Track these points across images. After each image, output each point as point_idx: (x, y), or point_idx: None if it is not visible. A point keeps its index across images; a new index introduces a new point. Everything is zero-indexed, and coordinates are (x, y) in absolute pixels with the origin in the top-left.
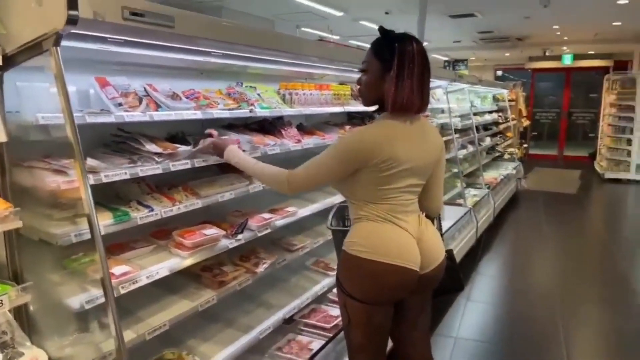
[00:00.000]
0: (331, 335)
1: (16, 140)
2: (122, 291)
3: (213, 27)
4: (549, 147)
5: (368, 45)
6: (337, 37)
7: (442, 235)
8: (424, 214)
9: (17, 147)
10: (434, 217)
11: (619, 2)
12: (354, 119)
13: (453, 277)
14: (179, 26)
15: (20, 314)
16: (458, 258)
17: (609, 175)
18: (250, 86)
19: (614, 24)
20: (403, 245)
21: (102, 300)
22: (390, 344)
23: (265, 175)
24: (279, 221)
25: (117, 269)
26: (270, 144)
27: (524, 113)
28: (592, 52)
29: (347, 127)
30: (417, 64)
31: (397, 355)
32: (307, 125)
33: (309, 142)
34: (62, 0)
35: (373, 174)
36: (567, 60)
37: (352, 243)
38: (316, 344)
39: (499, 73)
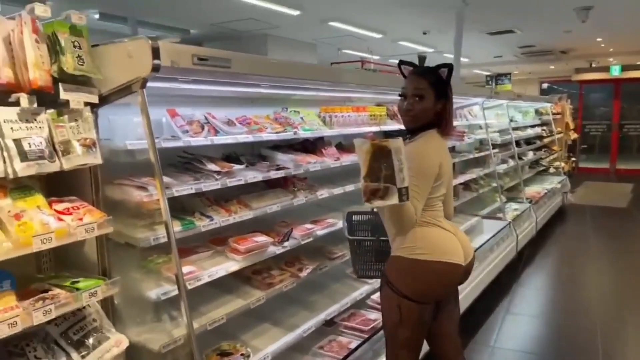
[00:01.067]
0: (368, 336)
1: (107, 162)
2: (189, 287)
3: (261, 65)
4: (600, 160)
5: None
6: (377, 57)
7: None
8: None
9: (108, 168)
10: None
11: None
12: (390, 136)
13: None
14: (235, 66)
15: (107, 304)
16: (496, 270)
17: None
18: (295, 111)
19: None
20: (453, 245)
21: (175, 293)
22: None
23: (408, 210)
24: (320, 231)
25: (184, 269)
26: (312, 162)
27: (572, 126)
28: None
29: None
30: (452, 95)
31: (432, 349)
32: (346, 145)
33: (347, 159)
34: (148, 52)
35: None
36: (616, 72)
37: (413, 248)
38: (355, 344)
39: (545, 86)
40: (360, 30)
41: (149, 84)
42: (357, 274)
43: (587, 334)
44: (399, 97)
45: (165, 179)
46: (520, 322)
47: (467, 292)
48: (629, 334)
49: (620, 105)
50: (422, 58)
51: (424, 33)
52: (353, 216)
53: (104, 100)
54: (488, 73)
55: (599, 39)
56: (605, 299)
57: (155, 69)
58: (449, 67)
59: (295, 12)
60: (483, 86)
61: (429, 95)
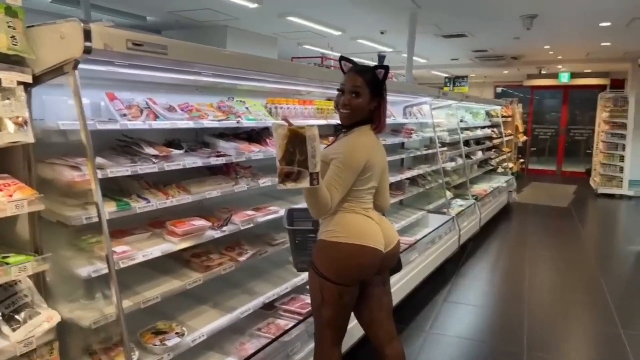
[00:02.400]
0: (303, 318)
1: (40, 141)
2: (122, 265)
3: (199, 53)
4: (548, 162)
5: (368, 61)
6: (337, 54)
7: None
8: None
9: (41, 147)
10: (383, 214)
11: (601, 24)
12: (339, 131)
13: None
14: (171, 53)
15: (39, 281)
16: (437, 262)
17: (602, 190)
18: (240, 100)
19: (603, 44)
20: (372, 230)
21: (106, 271)
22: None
23: (322, 194)
24: (261, 218)
25: (118, 248)
26: (255, 151)
27: (521, 129)
28: (589, 71)
29: (330, 137)
30: (386, 94)
31: (367, 334)
32: None
33: None
34: (80, 35)
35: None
36: (564, 79)
37: (332, 232)
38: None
39: (499, 90)
40: (319, 26)
41: (86, 67)
42: (297, 268)
43: (516, 323)
44: (337, 92)
45: (100, 160)
46: (457, 310)
47: (406, 281)
48: (554, 323)
49: (569, 111)
50: (381, 57)
51: (382, 32)
52: (294, 212)
53: (38, 80)
54: (447, 75)
55: (546, 47)
56: (537, 291)
57: (87, 51)
58: (386, 68)
59: (253, 5)
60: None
61: (364, 93)
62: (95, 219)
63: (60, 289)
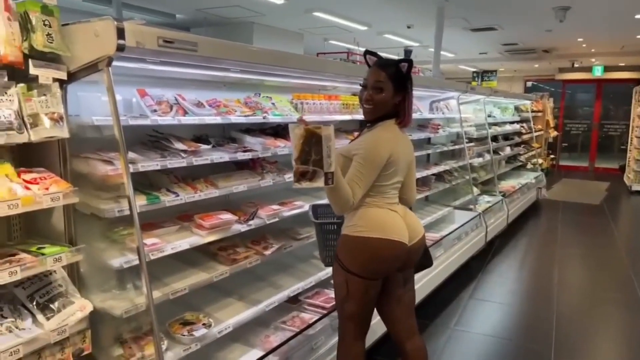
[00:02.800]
0: (327, 312)
1: (75, 137)
2: (152, 257)
3: (228, 49)
4: (580, 158)
5: (394, 57)
6: (363, 49)
7: None
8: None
9: (75, 142)
10: (410, 208)
11: (637, 16)
12: (364, 127)
13: (426, 255)
14: (201, 49)
15: (73, 271)
16: (463, 258)
17: (636, 187)
18: (267, 96)
19: (638, 36)
20: (395, 224)
21: (137, 262)
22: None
23: (344, 189)
24: (287, 212)
25: (148, 240)
26: (281, 146)
27: (552, 124)
28: (623, 64)
29: (356, 133)
30: (412, 88)
31: (388, 330)
32: None
33: None
34: (113, 32)
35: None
36: (598, 72)
37: (355, 226)
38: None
39: (529, 84)
40: (345, 21)
41: (118, 64)
42: (324, 262)
43: (544, 321)
44: (360, 87)
45: (132, 155)
46: (483, 307)
47: (431, 277)
48: (584, 323)
49: (602, 105)
50: (408, 52)
51: (408, 27)
52: (319, 208)
53: (73, 77)
54: (475, 69)
55: (580, 39)
56: (567, 289)
57: (120, 48)
58: (409, 62)
59: (280, 1)
60: (469, 82)
61: (387, 87)
62: (127, 212)
63: (93, 280)
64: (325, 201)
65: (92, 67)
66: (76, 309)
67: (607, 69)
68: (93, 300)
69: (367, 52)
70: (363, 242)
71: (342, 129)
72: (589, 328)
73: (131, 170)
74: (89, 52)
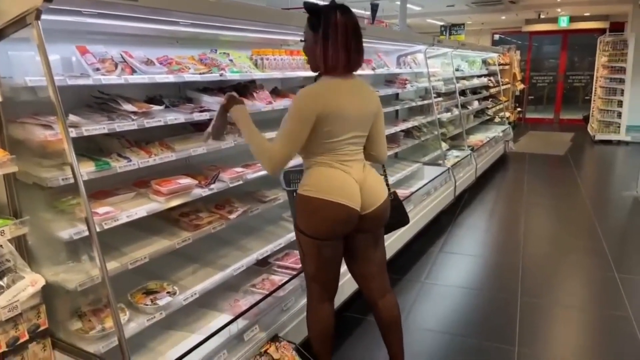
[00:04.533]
0: (297, 273)
1: (10, 100)
2: (105, 227)
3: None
4: (546, 111)
5: (361, 11)
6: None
7: (387, 183)
8: (370, 163)
9: (11, 106)
10: (382, 164)
11: None
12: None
13: (401, 212)
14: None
15: (21, 245)
16: (433, 213)
17: (599, 137)
18: (224, 52)
19: None
20: (344, 186)
21: (87, 233)
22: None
23: (254, 143)
24: (251, 175)
25: (100, 209)
26: None
27: (519, 77)
28: (588, 14)
29: None
30: (340, 31)
31: (359, 288)
32: (282, 89)
33: (281, 104)
34: None
35: (319, 127)
36: (563, 23)
37: (303, 185)
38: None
39: (497, 37)
40: None
41: (51, 17)
42: None
43: (512, 270)
44: None
45: (74, 118)
46: (452, 260)
47: (402, 233)
48: (550, 269)
49: (567, 57)
50: (374, 5)
51: None
52: (291, 174)
53: (1, 34)
54: (442, 23)
55: None
56: (534, 238)
57: None
58: (304, 4)
59: None
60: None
61: (307, 37)
62: (72, 180)
63: (44, 253)
64: (296, 167)
65: (20, 22)
66: (27, 284)
67: (572, 19)
68: (45, 274)
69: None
70: (307, 201)
71: (305, 85)
72: (553, 275)
73: (74, 134)
74: (16, 5)
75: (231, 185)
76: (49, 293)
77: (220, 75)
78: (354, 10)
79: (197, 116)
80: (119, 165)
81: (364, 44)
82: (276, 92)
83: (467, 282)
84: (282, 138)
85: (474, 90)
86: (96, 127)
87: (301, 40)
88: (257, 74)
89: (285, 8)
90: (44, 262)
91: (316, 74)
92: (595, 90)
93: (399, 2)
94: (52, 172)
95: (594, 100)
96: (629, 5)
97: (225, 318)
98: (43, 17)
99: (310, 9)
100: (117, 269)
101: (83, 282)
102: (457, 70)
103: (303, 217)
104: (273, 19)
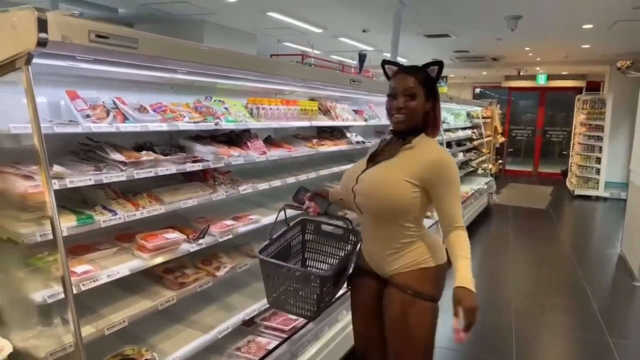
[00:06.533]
0: (287, 336)
1: None
2: (83, 288)
3: (174, 48)
4: (525, 163)
5: (348, 60)
6: (318, 52)
7: None
8: None
9: None
10: None
11: (584, 26)
12: (323, 132)
13: None
14: (142, 47)
15: None
16: None
17: (578, 192)
18: (219, 100)
19: (583, 46)
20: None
21: (63, 295)
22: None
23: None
24: (242, 228)
25: (79, 268)
26: (235, 155)
27: (499, 130)
28: (566, 73)
29: (315, 140)
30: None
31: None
32: (275, 138)
33: (275, 154)
34: (33, 24)
35: None
36: (542, 80)
37: (429, 258)
38: (274, 345)
39: (478, 91)
40: (300, 23)
41: (42, 61)
42: (312, 317)
43: (503, 329)
44: (387, 97)
45: (59, 168)
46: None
47: None
48: (540, 331)
49: (545, 113)
50: (362, 56)
51: (364, 31)
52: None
53: None
54: None
55: (527, 48)
56: (521, 295)
57: (41, 43)
58: (440, 64)
59: (234, 0)
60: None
61: (419, 93)
62: (51, 236)
63: (13, 315)
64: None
65: (9, 65)
66: None
67: (550, 77)
68: (13, 339)
69: (385, 62)
70: (441, 268)
71: (299, 135)
72: (548, 337)
73: (57, 186)
74: (5, 47)
75: (220, 240)
76: None
77: (215, 124)
78: (339, 58)
79: (190, 166)
80: (103, 219)
81: (358, 96)
82: (269, 141)
83: (452, 343)
84: (459, 208)
85: (459, 142)
86: (82, 178)
87: (412, 96)
88: (252, 124)
89: (274, 54)
90: (12, 326)
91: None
92: (574, 146)
93: (386, 54)
94: (29, 227)
95: (572, 156)
96: (606, 66)
97: None
98: (34, 61)
99: (425, 68)
100: (92, 334)
101: (54, 351)
102: (443, 122)
103: (437, 284)
104: (269, 69)
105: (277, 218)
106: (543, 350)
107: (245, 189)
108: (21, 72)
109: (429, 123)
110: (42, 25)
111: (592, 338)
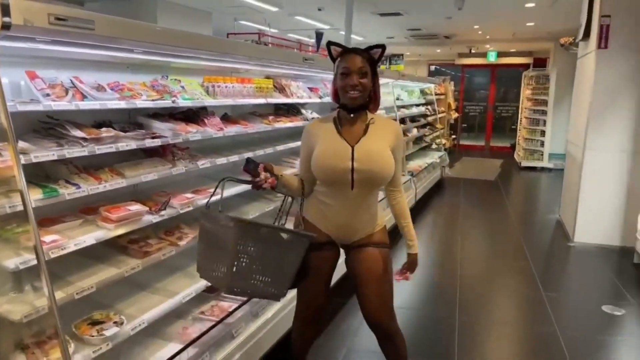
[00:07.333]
0: (248, 298)
1: None
2: (52, 256)
3: (130, 29)
4: (478, 138)
5: (306, 39)
6: (275, 31)
7: None
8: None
9: None
10: None
11: (527, 5)
12: (279, 109)
13: None
14: (99, 28)
15: None
16: None
17: (525, 163)
18: (175, 79)
19: (528, 24)
20: None
21: (35, 262)
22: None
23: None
24: (201, 200)
25: (47, 238)
26: (192, 132)
27: (453, 106)
28: (514, 50)
29: (271, 117)
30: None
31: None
32: (232, 116)
33: (232, 130)
34: None
35: None
36: (492, 58)
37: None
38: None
39: (433, 68)
40: (256, 1)
41: (2, 43)
42: (279, 297)
43: (450, 288)
44: (339, 76)
45: (23, 144)
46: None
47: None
48: (483, 280)
49: (496, 89)
50: (319, 34)
51: (319, 9)
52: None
53: None
54: None
55: (476, 27)
56: (469, 259)
57: (5, 27)
58: (382, 47)
59: None
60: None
61: (369, 72)
62: (20, 208)
63: None
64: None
65: None
66: None
67: (500, 54)
68: None
69: (330, 43)
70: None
71: (256, 112)
72: (488, 294)
73: (23, 161)
74: None
75: (181, 212)
76: None
77: (173, 102)
78: (297, 36)
79: (149, 142)
80: (67, 192)
81: (313, 74)
82: (226, 118)
83: (408, 302)
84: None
85: (413, 118)
86: (45, 153)
87: (364, 74)
88: (208, 101)
89: (231, 33)
90: None
91: (336, 104)
92: (521, 121)
93: (342, 32)
94: None
95: (520, 130)
96: (551, 43)
97: (174, 347)
98: None
99: (370, 50)
100: (63, 299)
101: (28, 314)
102: (397, 99)
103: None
104: (222, 48)
105: (214, 192)
106: (483, 305)
107: (204, 163)
108: None
109: (371, 99)
110: (6, 9)
111: (528, 293)
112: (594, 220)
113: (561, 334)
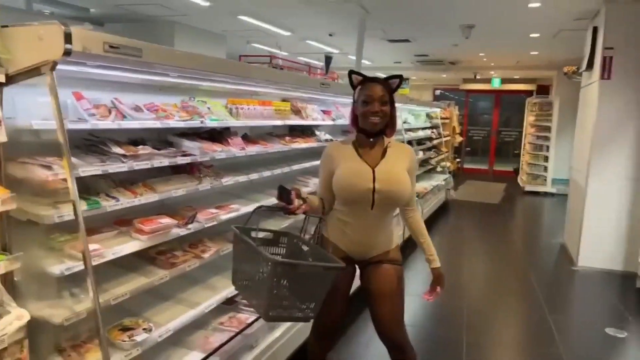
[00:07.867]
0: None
1: (11, 140)
2: (94, 263)
3: (172, 56)
4: (482, 162)
5: (315, 62)
6: (285, 54)
7: None
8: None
9: (11, 146)
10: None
11: (531, 35)
12: (294, 130)
13: None
14: (146, 56)
15: (6, 281)
16: None
17: (528, 188)
18: (202, 100)
19: (532, 53)
20: None
21: (78, 269)
22: None
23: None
24: (224, 216)
25: (90, 246)
26: (218, 150)
27: (457, 130)
28: (518, 77)
29: (287, 137)
30: None
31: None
32: (252, 136)
33: (253, 150)
34: (60, 37)
35: None
36: (496, 83)
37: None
38: (252, 320)
39: (438, 92)
40: (269, 26)
41: (60, 67)
42: (308, 318)
43: (456, 309)
44: (360, 103)
45: (73, 160)
46: None
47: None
48: (490, 311)
49: (500, 114)
50: (328, 58)
51: (330, 35)
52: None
53: (11, 80)
54: None
55: (481, 54)
56: (473, 279)
57: (67, 53)
58: (400, 77)
59: (205, 3)
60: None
61: (388, 100)
62: (67, 218)
63: (30, 288)
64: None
65: (34, 71)
66: (13, 319)
67: (504, 80)
68: (30, 309)
69: (352, 72)
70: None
71: (273, 133)
72: (494, 316)
73: None
74: (32, 55)
75: (206, 226)
76: (31, 328)
77: (201, 122)
78: (306, 59)
79: (181, 160)
80: (108, 205)
81: (327, 97)
82: (246, 138)
83: (414, 320)
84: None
85: (419, 141)
86: (90, 168)
87: (384, 103)
88: (232, 122)
89: (243, 55)
90: (28, 298)
91: (352, 128)
92: (524, 146)
93: (351, 57)
94: (48, 210)
95: (523, 155)
96: (554, 71)
97: (197, 356)
98: None
99: (395, 77)
100: (100, 304)
101: (69, 317)
102: (405, 122)
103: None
104: (251, 74)
105: (248, 219)
106: (490, 326)
107: (227, 180)
108: (45, 76)
109: (388, 125)
110: (68, 38)
111: (533, 315)
112: (598, 246)
113: (565, 356)
